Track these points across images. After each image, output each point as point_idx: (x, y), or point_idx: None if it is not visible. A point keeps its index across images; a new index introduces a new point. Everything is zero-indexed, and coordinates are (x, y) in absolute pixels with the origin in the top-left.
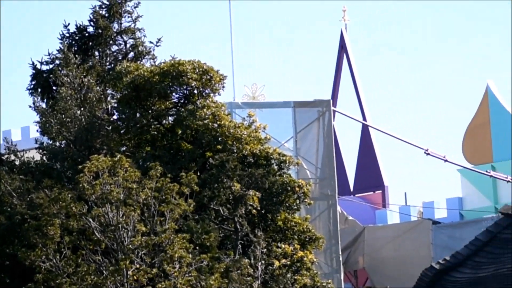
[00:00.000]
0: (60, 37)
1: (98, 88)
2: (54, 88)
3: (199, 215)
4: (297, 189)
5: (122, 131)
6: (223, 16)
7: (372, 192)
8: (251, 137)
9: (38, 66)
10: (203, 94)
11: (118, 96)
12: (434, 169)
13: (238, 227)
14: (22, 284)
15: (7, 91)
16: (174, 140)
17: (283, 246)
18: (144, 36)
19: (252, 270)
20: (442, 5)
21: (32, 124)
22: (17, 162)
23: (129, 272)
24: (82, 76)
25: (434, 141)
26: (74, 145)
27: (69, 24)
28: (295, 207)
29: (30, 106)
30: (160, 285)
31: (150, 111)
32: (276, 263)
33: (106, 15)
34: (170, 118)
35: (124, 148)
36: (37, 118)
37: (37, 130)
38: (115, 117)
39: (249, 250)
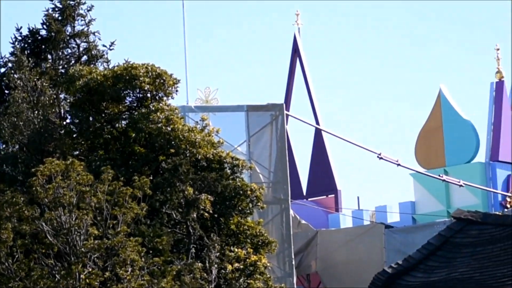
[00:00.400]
0: (12, 41)
1: (51, 91)
2: (6, 91)
3: (151, 219)
4: (249, 193)
5: (75, 135)
6: (177, 19)
7: (325, 196)
8: (204, 141)
9: None
10: (156, 97)
11: (71, 100)
12: (387, 173)
13: (191, 231)
14: None
15: None
16: (127, 143)
17: (236, 250)
18: (98, 39)
19: (205, 274)
20: (395, 7)
21: None
22: None
23: (81, 276)
24: (35, 80)
25: (387, 145)
26: (27, 148)
27: (21, 27)
28: (248, 211)
29: None
30: None
31: (103, 115)
32: (229, 267)
33: (59, 18)
34: (123, 121)
35: (77, 152)
36: None
37: None
38: (68, 120)
39: (202, 254)
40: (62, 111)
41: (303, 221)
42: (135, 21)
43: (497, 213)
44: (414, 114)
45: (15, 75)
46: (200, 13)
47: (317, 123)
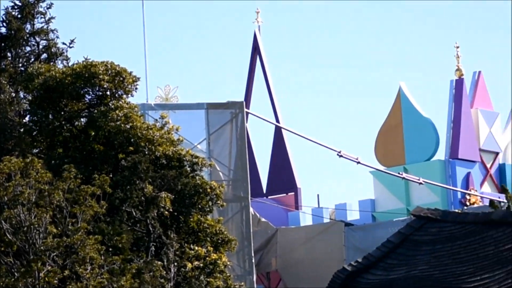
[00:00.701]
0: None
1: (10, 89)
2: None
3: (111, 217)
4: (209, 191)
5: (34, 133)
6: (137, 17)
7: (285, 194)
8: (164, 138)
9: None
10: (116, 95)
11: (30, 98)
12: (347, 171)
13: (151, 229)
14: None
15: None
16: (86, 141)
17: (196, 248)
18: (57, 37)
19: (164, 272)
20: (355, 5)
21: None
22: None
23: (40, 274)
24: None
25: (347, 143)
26: None
27: None
28: (208, 209)
29: None
30: (71, 287)
31: (62, 113)
32: (189, 265)
33: (19, 16)
34: (82, 119)
35: (36, 150)
36: None
37: None
38: (27, 118)
39: (161, 252)
40: (21, 109)
41: (263, 219)
42: (95, 19)
43: (457, 210)
44: (374, 112)
45: None
46: (160, 11)
47: (277, 121)
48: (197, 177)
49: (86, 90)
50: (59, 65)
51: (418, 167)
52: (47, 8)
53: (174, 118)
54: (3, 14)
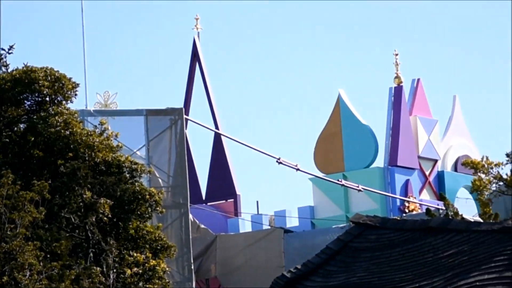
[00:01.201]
0: None
1: None
2: None
3: (50, 223)
4: (148, 197)
5: None
6: (76, 23)
7: (224, 201)
8: (103, 145)
9: None
10: (55, 101)
11: None
12: (286, 178)
13: (90, 235)
14: None
15: None
16: (25, 147)
17: (135, 254)
18: None
19: (103, 278)
20: (295, 11)
21: None
22: None
23: None
24: None
25: (287, 150)
26: None
27: None
28: (147, 216)
29: None
30: None
31: (1, 118)
32: (128, 272)
33: None
34: (22, 125)
35: None
36: None
37: None
38: None
39: (100, 258)
40: None
41: (202, 226)
42: (34, 24)
43: (396, 218)
44: (313, 119)
45: None
46: (99, 16)
47: (217, 127)
48: (136, 184)
49: (25, 95)
50: None
51: (357, 174)
52: None
53: (113, 125)
54: None
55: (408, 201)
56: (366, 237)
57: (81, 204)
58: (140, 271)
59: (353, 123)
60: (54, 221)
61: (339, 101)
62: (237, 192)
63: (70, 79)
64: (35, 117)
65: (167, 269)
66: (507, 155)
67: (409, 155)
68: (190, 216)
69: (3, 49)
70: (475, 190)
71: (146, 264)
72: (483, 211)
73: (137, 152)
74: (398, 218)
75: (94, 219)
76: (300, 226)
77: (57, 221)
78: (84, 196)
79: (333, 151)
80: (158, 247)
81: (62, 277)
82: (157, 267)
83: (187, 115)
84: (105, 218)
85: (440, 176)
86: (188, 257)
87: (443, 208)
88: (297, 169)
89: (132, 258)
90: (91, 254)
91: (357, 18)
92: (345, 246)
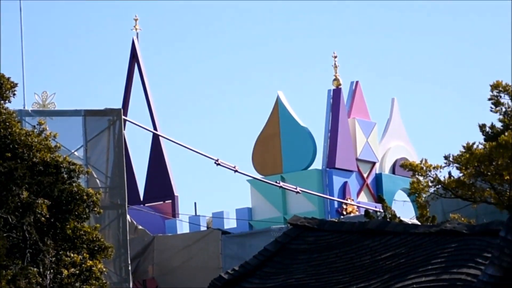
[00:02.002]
0: None
1: None
2: None
3: None
4: (86, 197)
5: None
6: (14, 22)
7: (162, 202)
8: (41, 145)
9: None
10: None
11: None
12: (224, 179)
13: (27, 235)
14: None
15: None
16: None
17: (72, 255)
18: None
19: (40, 279)
20: (234, 10)
21: None
22: None
23: None
24: None
25: (225, 152)
26: None
27: None
28: (85, 216)
29: None
30: None
31: None
32: (65, 272)
33: None
34: None
35: None
36: None
37: None
38: None
39: (37, 259)
40: None
41: (140, 227)
42: None
43: (333, 220)
44: (252, 120)
45: None
46: (38, 16)
47: (155, 128)
48: (74, 184)
49: None
50: None
51: (295, 176)
52: None
53: (51, 125)
54: None
55: (346, 203)
56: (304, 239)
57: (18, 204)
58: (77, 271)
59: (291, 125)
60: None
61: (278, 103)
62: (175, 193)
63: (8, 78)
64: None
65: (104, 269)
66: (445, 157)
67: (347, 158)
68: (128, 217)
69: None
70: (413, 192)
71: (83, 265)
72: (420, 213)
73: (75, 153)
74: (336, 220)
75: (31, 219)
76: (238, 227)
77: None
78: (22, 196)
79: (271, 153)
80: (96, 248)
81: None
82: (94, 268)
83: (126, 115)
84: (42, 218)
85: (378, 178)
86: (125, 258)
87: (381, 210)
88: (235, 171)
89: (69, 259)
90: (28, 255)
91: (296, 20)
92: (283, 247)
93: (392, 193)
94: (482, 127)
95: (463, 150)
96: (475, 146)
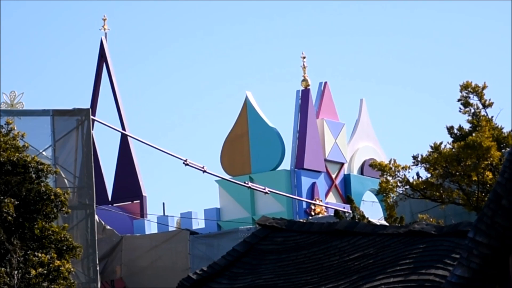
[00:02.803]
0: None
1: None
2: None
3: None
4: (54, 197)
5: None
6: None
7: (130, 202)
8: (9, 144)
9: None
10: None
11: None
12: (193, 180)
13: None
14: None
15: None
16: None
17: (39, 255)
18: None
19: (8, 279)
20: (200, 10)
21: None
22: None
23: None
24: None
25: (194, 152)
26: None
27: None
28: (53, 216)
29: None
30: None
31: None
32: (33, 272)
33: None
34: None
35: None
36: None
37: None
38: None
39: (5, 259)
40: None
41: (108, 227)
42: None
43: (302, 220)
44: (220, 121)
45: None
46: (5, 15)
47: (123, 128)
48: (42, 184)
49: None
50: None
51: (263, 176)
52: None
53: (19, 125)
54: None
55: (314, 204)
56: (272, 239)
57: None
58: (45, 271)
59: (260, 125)
60: None
61: (246, 104)
62: (143, 194)
63: None
64: None
65: (72, 269)
66: (414, 157)
67: (316, 158)
68: (96, 217)
69: None
70: (381, 192)
71: (51, 265)
72: (388, 214)
73: (43, 153)
74: (305, 221)
75: None
76: (206, 228)
77: None
78: None
79: (239, 154)
80: (64, 248)
81: None
82: (62, 268)
83: (94, 115)
84: (9, 218)
85: (347, 179)
86: (93, 258)
87: (349, 211)
88: (204, 171)
89: (37, 259)
90: None
91: (265, 20)
92: (251, 248)
93: (361, 194)
94: (450, 129)
95: (431, 150)
96: (442, 146)
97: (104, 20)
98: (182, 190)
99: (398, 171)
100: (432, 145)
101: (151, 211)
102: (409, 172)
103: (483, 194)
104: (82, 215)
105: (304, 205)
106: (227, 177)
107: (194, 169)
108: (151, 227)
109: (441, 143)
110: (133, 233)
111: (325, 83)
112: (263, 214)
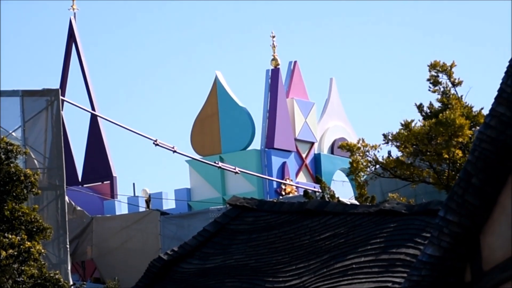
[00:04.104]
0: None
1: None
2: None
3: None
4: (23, 178)
5: None
6: None
7: (100, 183)
8: None
9: None
10: None
11: None
12: (163, 160)
13: None
14: None
15: None
16: None
17: (10, 236)
18: None
19: None
20: None
21: None
22: None
23: None
24: None
25: (164, 132)
26: None
27: None
28: (23, 197)
29: None
30: None
31: None
32: (3, 253)
33: None
34: None
35: None
36: None
37: None
38: None
39: None
40: None
41: (78, 208)
42: None
43: (273, 200)
44: (190, 101)
45: None
46: None
47: (93, 109)
48: (11, 165)
49: None
50: None
51: (234, 156)
52: None
53: None
54: None
55: (284, 184)
56: (243, 219)
57: None
58: (15, 253)
59: (230, 105)
60: None
61: (216, 83)
62: (114, 174)
63: None
64: None
65: (42, 251)
66: (384, 135)
67: (286, 138)
68: (66, 198)
69: None
70: (352, 172)
71: (22, 246)
72: (359, 193)
73: (13, 133)
74: (275, 201)
75: None
76: (176, 208)
77: None
78: None
79: (210, 133)
80: (34, 229)
81: None
82: (33, 249)
83: (64, 96)
84: None
85: (317, 158)
86: (64, 239)
87: (320, 190)
88: (174, 151)
89: (7, 240)
90: None
91: None
92: (222, 228)
93: (331, 173)
94: (419, 106)
95: (401, 128)
96: (413, 124)
97: (73, 0)
98: (152, 171)
99: (368, 151)
100: (403, 122)
101: (121, 191)
102: (378, 151)
103: (453, 172)
104: (52, 196)
105: (275, 185)
106: (198, 157)
107: (164, 149)
108: (121, 208)
109: (412, 120)
110: (104, 214)
111: (295, 62)
112: (233, 194)
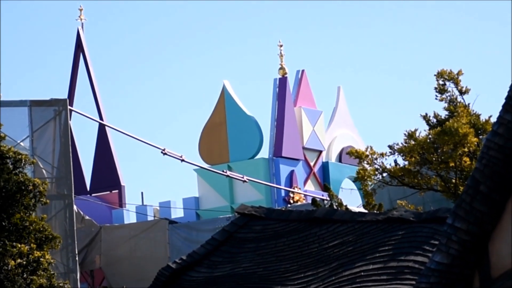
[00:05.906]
0: None
1: None
2: None
3: None
4: (32, 188)
5: None
6: None
7: (108, 192)
8: None
9: None
10: None
11: None
12: (171, 169)
13: None
14: None
15: None
16: None
17: (18, 245)
18: None
19: None
20: (182, 1)
21: None
22: None
23: None
24: None
25: (172, 141)
26: None
27: None
28: (31, 207)
29: None
30: None
31: None
32: (12, 263)
33: None
34: None
35: None
36: None
37: None
38: None
39: None
40: None
41: (86, 217)
42: None
43: (281, 208)
44: (198, 110)
45: None
46: None
47: (101, 118)
48: (20, 174)
49: None
50: None
51: (242, 165)
52: None
53: None
54: None
55: (293, 192)
56: (251, 227)
57: None
58: (24, 262)
59: (237, 114)
60: None
61: (224, 92)
62: (122, 183)
63: None
64: None
65: (51, 260)
66: (390, 147)
67: (294, 146)
68: (75, 207)
69: None
70: (359, 179)
71: (30, 256)
72: (367, 201)
73: (21, 143)
74: (283, 209)
75: None
76: (185, 217)
77: None
78: None
79: (218, 142)
80: (43, 238)
81: None
82: (42, 259)
83: (72, 106)
84: None
85: (325, 167)
86: (72, 248)
87: (328, 198)
88: (182, 160)
89: (16, 249)
90: None
91: (242, 8)
92: (230, 236)
93: (339, 181)
94: (425, 117)
95: (406, 138)
96: (418, 133)
97: (81, 10)
98: (161, 180)
99: (376, 159)
100: (407, 132)
101: (130, 200)
102: (386, 159)
103: (461, 180)
104: (61, 206)
105: (283, 193)
106: (205, 166)
107: (172, 158)
108: (129, 217)
109: (416, 130)
110: (112, 223)
111: (303, 71)
112: (241, 202)
